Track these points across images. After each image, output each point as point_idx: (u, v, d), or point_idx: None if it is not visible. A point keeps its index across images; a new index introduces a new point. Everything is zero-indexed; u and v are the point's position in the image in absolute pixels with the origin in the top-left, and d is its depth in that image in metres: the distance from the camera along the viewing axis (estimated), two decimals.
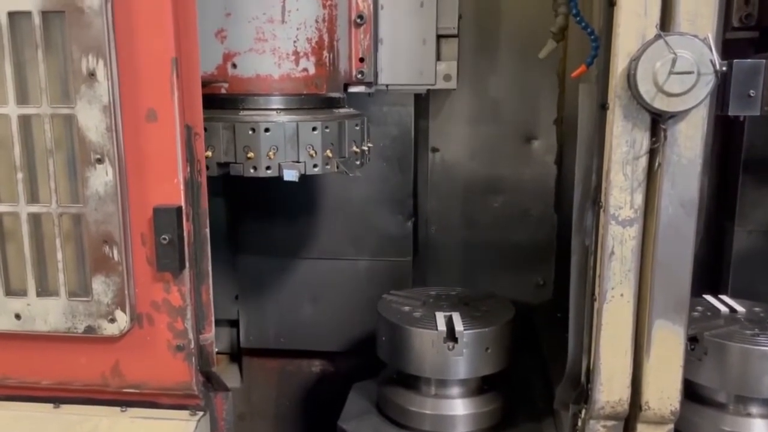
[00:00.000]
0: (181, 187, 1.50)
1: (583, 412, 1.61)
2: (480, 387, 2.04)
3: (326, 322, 2.65)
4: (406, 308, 2.10)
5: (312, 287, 2.64)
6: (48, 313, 1.55)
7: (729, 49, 1.87)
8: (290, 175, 1.79)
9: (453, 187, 2.81)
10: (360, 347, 2.60)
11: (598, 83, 1.51)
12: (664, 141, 1.42)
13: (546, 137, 2.73)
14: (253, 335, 2.72)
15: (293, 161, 1.81)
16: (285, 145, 1.80)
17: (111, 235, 1.49)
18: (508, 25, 2.65)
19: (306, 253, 2.61)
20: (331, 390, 2.67)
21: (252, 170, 1.79)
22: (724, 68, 1.36)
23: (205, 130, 1.56)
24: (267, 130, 1.79)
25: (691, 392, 1.69)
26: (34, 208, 1.52)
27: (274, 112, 1.84)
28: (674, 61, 1.34)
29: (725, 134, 2.24)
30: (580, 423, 1.64)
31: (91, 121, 1.44)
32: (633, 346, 1.54)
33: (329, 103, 1.97)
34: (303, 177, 1.82)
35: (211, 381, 1.65)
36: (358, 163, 1.99)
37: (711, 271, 2.31)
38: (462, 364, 1.92)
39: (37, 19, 1.42)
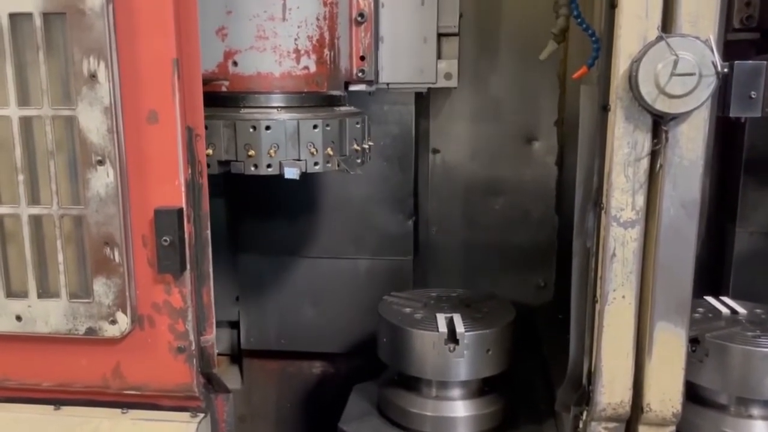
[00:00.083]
0: (182, 188, 1.50)
1: (585, 414, 1.61)
2: (481, 389, 2.04)
3: (327, 323, 2.65)
4: (407, 310, 2.10)
5: (312, 287, 2.63)
6: (49, 315, 1.55)
7: (730, 50, 1.88)
8: (291, 173, 1.79)
9: (453, 188, 2.81)
10: (361, 348, 2.60)
11: (599, 85, 1.51)
12: (666, 142, 1.42)
13: (547, 138, 2.73)
14: (253, 337, 2.72)
15: (294, 159, 1.81)
16: (286, 143, 1.80)
17: (112, 236, 1.49)
18: (509, 25, 2.65)
19: (306, 252, 2.61)
20: (332, 391, 2.67)
21: (253, 168, 1.79)
22: (725, 70, 1.36)
23: (206, 128, 1.56)
24: (268, 128, 1.79)
25: (693, 394, 1.69)
26: (35, 210, 1.52)
27: (275, 110, 1.84)
28: (676, 63, 1.34)
29: (726, 135, 2.24)
30: (581, 425, 1.63)
31: (93, 122, 1.44)
32: (634, 347, 1.54)
33: (330, 101, 1.97)
34: (304, 175, 1.82)
35: (211, 383, 1.65)
36: (358, 161, 1.99)
37: (712, 273, 2.31)
38: (463, 365, 1.92)
39: (38, 21, 1.42)
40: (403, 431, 2.03)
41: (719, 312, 1.86)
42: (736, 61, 1.50)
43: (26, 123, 1.48)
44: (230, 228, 2.66)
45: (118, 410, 1.63)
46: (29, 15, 1.42)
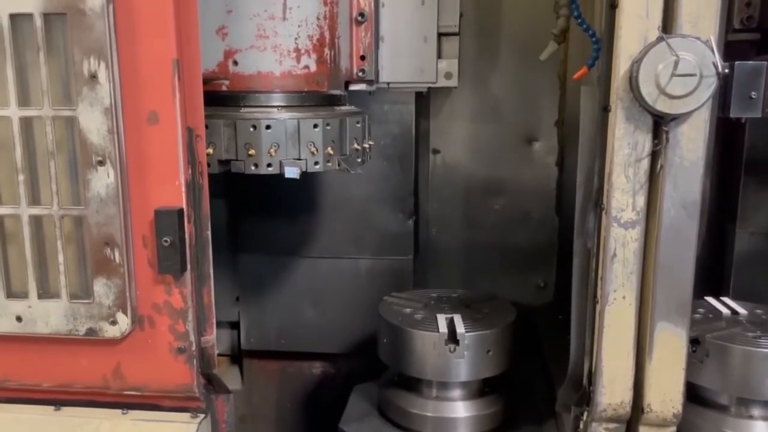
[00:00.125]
0: (183, 189, 1.50)
1: (585, 414, 1.61)
2: (481, 389, 2.04)
3: (327, 324, 2.65)
4: (408, 310, 2.10)
5: (313, 287, 2.63)
6: (49, 316, 1.55)
7: (730, 50, 1.88)
8: (291, 172, 1.79)
9: (454, 189, 2.81)
10: (361, 349, 2.59)
11: (599, 85, 1.51)
12: (666, 143, 1.42)
13: (547, 139, 2.73)
14: (253, 337, 2.72)
15: (294, 158, 1.81)
16: (286, 143, 1.80)
17: (112, 237, 1.49)
18: (509, 25, 2.65)
19: (307, 252, 2.61)
20: (332, 392, 2.67)
21: (253, 167, 1.79)
22: (726, 70, 1.36)
23: (206, 127, 1.56)
24: (268, 127, 1.78)
25: (693, 394, 1.69)
26: (36, 210, 1.52)
27: (276, 110, 1.84)
28: (676, 64, 1.34)
29: (726, 136, 2.24)
30: (582, 425, 1.63)
31: (93, 123, 1.44)
32: (635, 348, 1.54)
33: (330, 101, 1.97)
34: (304, 175, 1.81)
35: (212, 383, 1.65)
36: (359, 160, 1.99)
37: (712, 273, 2.31)
38: (463, 366, 1.92)
39: (38, 21, 1.42)
40: None
41: (720, 312, 1.86)
42: (736, 62, 1.50)
43: (27, 123, 1.48)
44: (230, 228, 2.66)
45: (119, 411, 1.64)
46: (29, 15, 1.42)
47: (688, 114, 1.40)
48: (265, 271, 2.64)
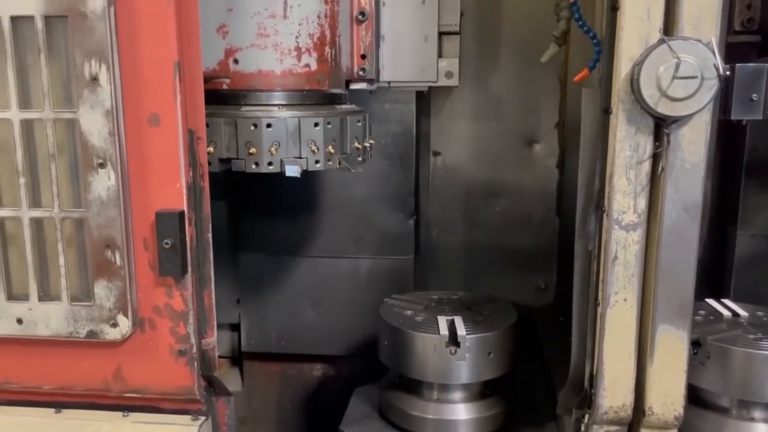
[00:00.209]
0: (184, 191, 1.50)
1: (587, 417, 1.61)
2: (482, 391, 2.04)
3: (327, 325, 2.64)
4: (408, 312, 2.10)
5: (313, 288, 2.63)
6: (50, 318, 1.55)
7: (731, 53, 1.88)
8: (292, 170, 1.79)
9: (454, 191, 2.81)
10: (361, 351, 2.59)
11: (600, 87, 1.51)
12: (668, 145, 1.42)
13: (547, 141, 2.73)
14: (254, 339, 2.71)
15: (295, 157, 1.81)
16: (287, 141, 1.80)
17: (113, 239, 1.49)
18: (510, 25, 2.65)
19: (307, 252, 2.61)
20: (333, 394, 2.67)
21: (254, 166, 1.79)
22: (727, 72, 1.36)
23: (207, 125, 1.56)
24: (269, 125, 1.78)
25: (694, 396, 1.69)
26: (37, 213, 1.52)
27: (276, 108, 1.84)
28: (678, 66, 1.34)
29: (727, 138, 2.24)
30: (583, 428, 1.63)
31: (94, 125, 1.44)
32: (636, 350, 1.54)
33: (331, 99, 1.97)
34: (304, 173, 1.81)
35: (213, 385, 1.65)
36: (359, 159, 1.99)
37: (713, 275, 2.31)
38: (464, 368, 1.92)
39: (39, 24, 1.42)
40: None
41: (720, 315, 1.86)
42: (737, 64, 1.50)
43: (27, 126, 1.48)
44: (231, 228, 2.66)
45: (119, 413, 1.64)
46: (31, 18, 1.42)
47: (690, 116, 1.40)
48: (265, 271, 2.64)
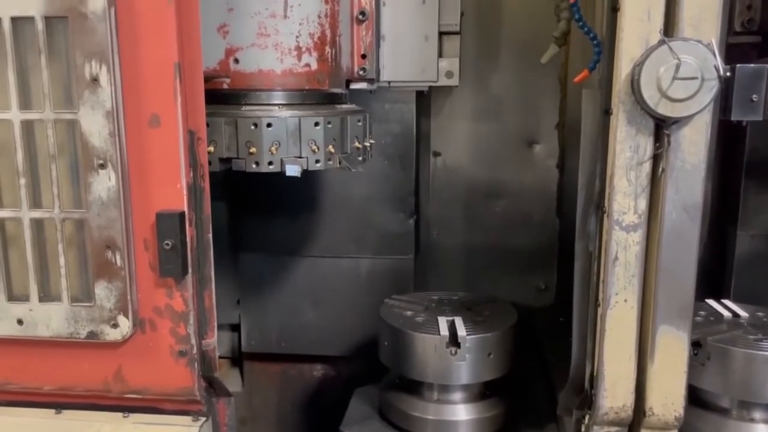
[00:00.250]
0: (184, 192, 1.50)
1: (587, 418, 1.61)
2: (482, 392, 2.04)
3: (328, 326, 2.64)
4: (409, 313, 2.10)
5: (313, 288, 2.63)
6: (50, 319, 1.55)
7: (731, 53, 1.88)
8: (292, 170, 1.79)
9: (454, 191, 2.81)
10: (362, 351, 2.59)
11: (600, 88, 1.51)
12: (668, 146, 1.42)
13: (548, 141, 2.73)
14: (254, 339, 2.71)
15: (295, 156, 1.81)
16: (287, 141, 1.80)
17: (114, 240, 1.49)
18: (510, 25, 2.65)
19: (307, 252, 2.61)
20: (333, 394, 2.67)
21: (254, 165, 1.79)
22: (727, 74, 1.36)
23: (207, 125, 1.56)
24: (269, 125, 1.78)
25: (694, 397, 1.69)
26: (37, 214, 1.52)
27: (277, 108, 1.84)
28: (678, 67, 1.34)
29: (727, 138, 2.24)
30: (583, 429, 1.63)
31: (94, 126, 1.44)
32: (637, 351, 1.54)
33: (331, 99, 1.97)
34: (305, 173, 1.81)
35: (213, 386, 1.65)
36: (360, 159, 1.99)
37: (713, 276, 2.31)
38: (464, 369, 1.92)
39: (40, 25, 1.42)
40: None
41: (721, 315, 1.86)
42: (737, 65, 1.50)
43: (28, 127, 1.49)
44: (231, 229, 2.66)
45: (120, 414, 1.64)
46: (31, 19, 1.42)
47: (690, 117, 1.40)
48: (265, 271, 2.64)
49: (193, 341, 1.57)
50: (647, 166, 1.45)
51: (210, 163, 1.63)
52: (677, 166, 1.43)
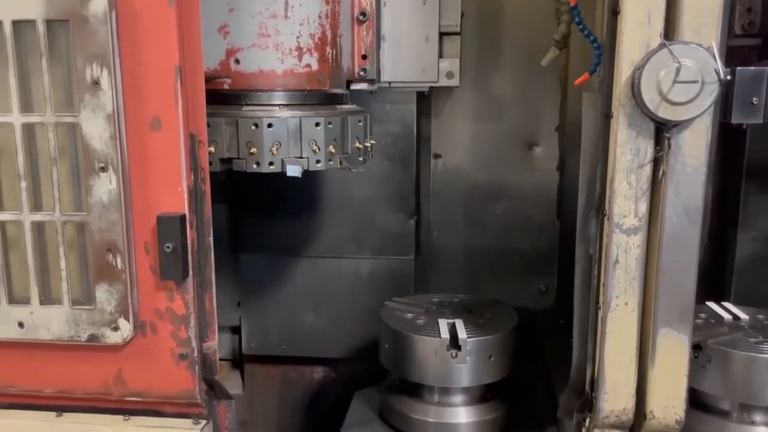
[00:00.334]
0: (185, 195, 1.50)
1: (588, 420, 1.61)
2: (483, 395, 2.04)
3: (328, 328, 2.64)
4: (409, 315, 2.10)
5: (314, 289, 2.63)
6: (51, 322, 1.55)
7: (731, 56, 1.88)
8: (293, 170, 1.79)
9: (455, 193, 2.81)
10: (362, 354, 2.59)
11: (601, 91, 1.51)
12: (669, 149, 1.42)
13: (548, 143, 2.73)
14: (255, 342, 2.71)
15: (296, 157, 1.81)
16: (288, 141, 1.80)
17: (114, 243, 1.49)
18: (511, 26, 2.65)
19: (308, 252, 2.61)
20: (334, 397, 2.67)
21: (255, 166, 1.79)
22: (728, 77, 1.36)
23: (208, 125, 1.56)
24: (270, 125, 1.78)
25: (695, 400, 1.68)
26: (38, 217, 1.52)
27: (277, 108, 1.84)
28: (678, 71, 1.34)
29: (728, 140, 2.24)
30: None
31: (95, 129, 1.45)
32: (637, 354, 1.54)
33: (332, 99, 1.97)
34: (305, 173, 1.82)
35: (214, 389, 1.65)
36: (360, 159, 1.99)
37: (714, 278, 2.30)
38: (465, 371, 1.92)
39: (41, 28, 1.42)
40: None
41: (721, 318, 1.85)
42: (738, 68, 1.50)
43: (29, 130, 1.49)
44: (231, 230, 2.66)
45: (121, 417, 1.64)
46: (32, 22, 1.42)
47: (690, 120, 1.40)
48: (266, 273, 2.64)
49: (194, 344, 1.57)
50: (648, 170, 1.45)
51: (211, 164, 1.63)
52: (678, 170, 1.43)
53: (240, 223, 2.64)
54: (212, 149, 1.76)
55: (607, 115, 1.48)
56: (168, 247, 1.49)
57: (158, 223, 1.49)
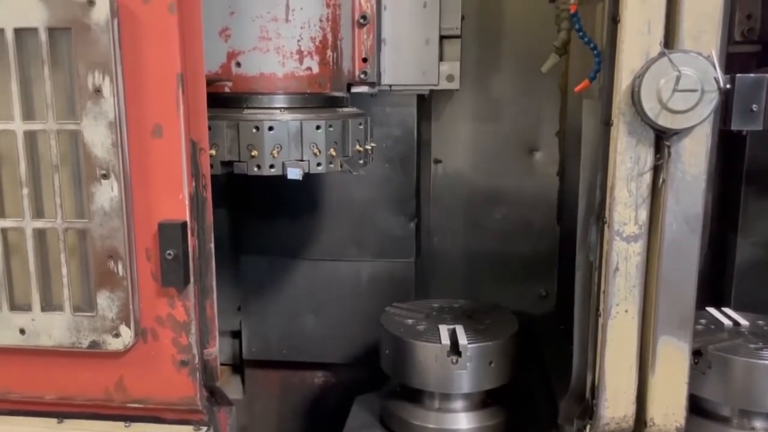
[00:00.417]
0: (186, 202, 1.50)
1: (588, 428, 1.61)
2: (484, 401, 2.04)
3: (329, 332, 2.64)
4: (409, 321, 2.10)
5: (314, 292, 2.62)
6: (52, 328, 1.55)
7: (731, 62, 1.88)
8: (294, 173, 1.79)
9: (455, 198, 2.81)
10: (363, 359, 2.59)
11: (601, 99, 1.52)
12: (669, 157, 1.42)
13: (548, 148, 2.74)
14: (255, 347, 2.71)
15: (297, 160, 1.82)
16: (289, 144, 1.80)
17: (116, 250, 1.49)
18: (511, 30, 2.65)
19: (308, 255, 2.60)
20: (334, 402, 2.67)
21: (256, 169, 1.79)
22: (728, 86, 1.36)
23: (209, 128, 1.57)
24: (271, 128, 1.79)
25: (695, 406, 1.68)
26: (40, 224, 1.52)
27: (278, 111, 1.85)
28: (678, 79, 1.35)
29: (727, 145, 2.24)
30: None
31: (97, 136, 1.45)
32: (638, 362, 1.54)
33: (333, 102, 1.98)
34: (306, 176, 1.82)
35: (214, 396, 1.65)
36: (361, 162, 1.99)
37: (713, 283, 2.30)
38: (465, 377, 1.92)
39: (43, 36, 1.43)
40: None
41: (721, 323, 1.85)
42: (737, 75, 1.51)
43: (31, 137, 1.49)
44: (232, 233, 2.66)
45: (122, 423, 1.64)
46: (34, 30, 1.43)
47: (690, 129, 1.40)
48: (266, 277, 2.64)
49: (195, 351, 1.57)
50: (648, 177, 1.45)
51: (212, 167, 1.63)
52: (678, 177, 1.44)
53: (241, 225, 2.64)
54: (213, 152, 1.76)
55: (607, 123, 1.48)
56: (169, 254, 1.49)
57: (159, 230, 1.50)
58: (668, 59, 1.35)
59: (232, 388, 2.77)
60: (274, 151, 1.79)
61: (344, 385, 2.68)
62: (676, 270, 1.47)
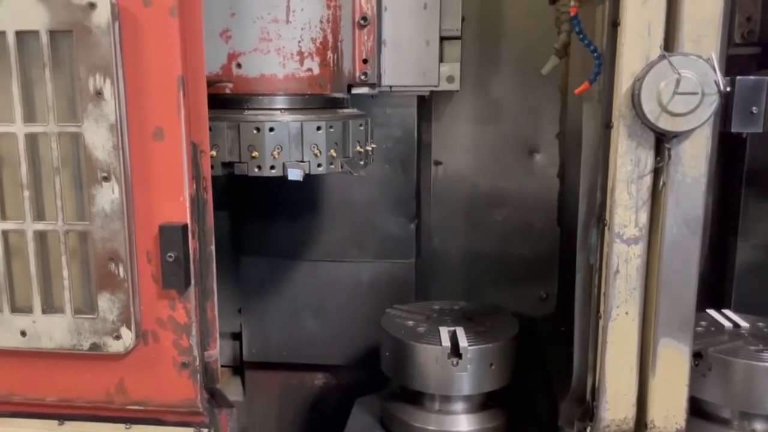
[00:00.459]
0: (187, 204, 1.50)
1: (589, 429, 1.61)
2: (484, 403, 2.04)
3: (329, 334, 2.65)
4: (410, 323, 2.10)
5: (315, 293, 2.62)
6: (53, 331, 1.55)
7: (731, 65, 1.88)
8: (294, 174, 1.80)
9: (455, 200, 2.81)
10: (363, 360, 2.59)
11: (601, 101, 1.52)
12: (669, 160, 1.42)
13: (548, 150, 2.74)
14: (256, 348, 2.71)
15: (297, 161, 1.82)
16: (289, 145, 1.81)
17: (117, 252, 1.49)
18: (511, 32, 2.65)
19: (309, 256, 2.61)
20: (334, 404, 2.67)
21: (256, 169, 1.80)
22: (728, 88, 1.37)
23: (210, 129, 1.57)
24: (271, 129, 1.79)
25: (695, 408, 1.68)
26: (40, 226, 1.52)
27: (279, 112, 1.85)
28: (678, 82, 1.35)
29: (727, 148, 2.24)
30: None
31: (98, 139, 1.45)
32: (638, 364, 1.54)
33: (333, 104, 1.98)
34: (307, 177, 1.82)
35: (215, 398, 1.65)
36: (362, 163, 2.00)
37: (714, 286, 2.31)
38: (466, 379, 1.92)
39: (44, 38, 1.43)
40: None
41: (722, 326, 1.85)
42: (738, 77, 1.51)
43: (32, 139, 1.49)
44: (232, 235, 2.66)
45: (122, 425, 1.64)
46: (36, 33, 1.43)
47: (690, 131, 1.40)
48: (267, 278, 2.64)
49: (196, 353, 1.57)
50: (648, 180, 1.45)
51: (212, 167, 1.64)
52: (678, 180, 1.44)
53: (241, 226, 2.64)
54: (214, 153, 1.76)
55: (607, 125, 1.48)
56: (170, 256, 1.49)
57: (160, 232, 1.50)
58: (668, 62, 1.35)
59: (232, 389, 2.77)
60: (275, 152, 1.79)
61: (344, 387, 2.68)
62: (676, 272, 1.47)
